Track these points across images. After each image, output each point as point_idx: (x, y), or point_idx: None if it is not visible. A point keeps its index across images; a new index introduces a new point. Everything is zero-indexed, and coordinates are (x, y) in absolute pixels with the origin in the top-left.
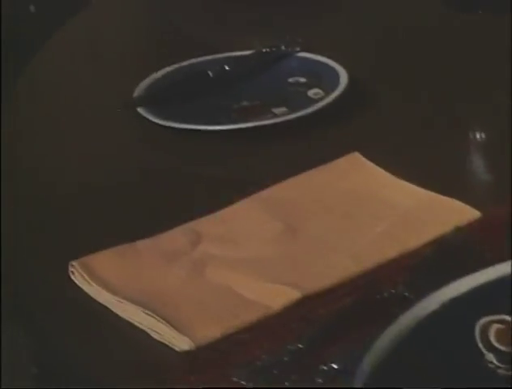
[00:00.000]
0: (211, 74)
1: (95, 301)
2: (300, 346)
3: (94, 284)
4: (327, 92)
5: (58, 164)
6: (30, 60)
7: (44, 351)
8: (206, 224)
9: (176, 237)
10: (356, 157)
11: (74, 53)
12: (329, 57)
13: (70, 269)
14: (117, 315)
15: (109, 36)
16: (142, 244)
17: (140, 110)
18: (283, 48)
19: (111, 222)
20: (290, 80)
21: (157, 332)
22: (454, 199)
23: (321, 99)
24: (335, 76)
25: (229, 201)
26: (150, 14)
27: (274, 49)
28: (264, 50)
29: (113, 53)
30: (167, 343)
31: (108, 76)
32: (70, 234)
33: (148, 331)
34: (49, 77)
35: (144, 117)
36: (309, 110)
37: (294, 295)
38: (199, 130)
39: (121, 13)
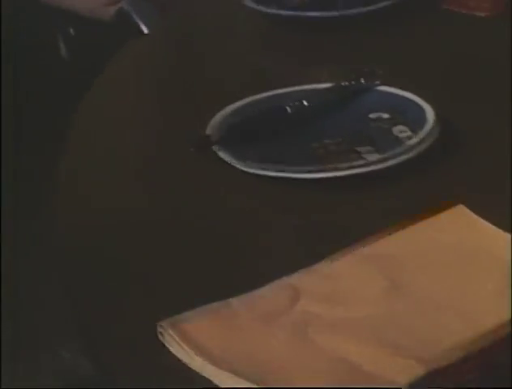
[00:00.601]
0: (289, 109)
1: (186, 364)
2: None
3: (186, 347)
4: (413, 130)
5: (132, 212)
6: (84, 95)
7: None
8: (305, 280)
9: (273, 295)
10: (461, 210)
11: (131, 86)
12: (408, 89)
13: (159, 330)
14: (211, 381)
15: (170, 67)
16: (237, 302)
17: (215, 149)
18: (362, 81)
19: (195, 275)
20: (371, 116)
21: None
22: None
23: (408, 138)
24: (420, 112)
25: (322, 253)
26: (215, 43)
27: (353, 83)
28: (343, 83)
29: (179, 84)
30: None
31: (174, 111)
32: (156, 290)
33: None
34: (107, 113)
35: (219, 158)
36: (401, 154)
37: (418, 369)
38: None
39: (183, 41)
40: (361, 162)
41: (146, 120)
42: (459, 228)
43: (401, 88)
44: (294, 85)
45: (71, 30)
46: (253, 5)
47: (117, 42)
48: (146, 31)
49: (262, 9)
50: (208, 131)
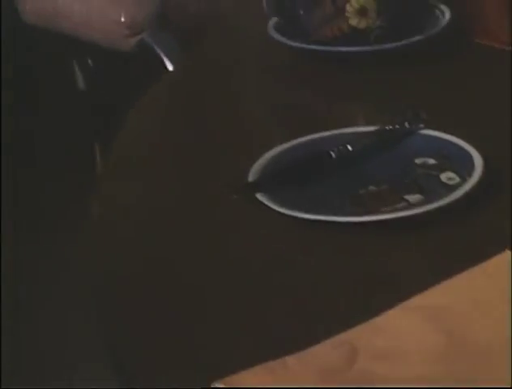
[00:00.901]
0: (333, 154)
1: None
2: None
3: None
4: (462, 176)
5: (175, 261)
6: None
7: None
8: (362, 335)
9: (329, 352)
10: (509, 256)
11: (165, 125)
12: (454, 134)
13: None
14: None
15: (202, 107)
16: (293, 360)
17: (258, 196)
18: (406, 125)
19: (243, 326)
20: (417, 161)
21: None
22: None
23: (457, 185)
24: (467, 157)
25: (374, 304)
26: (244, 80)
27: (397, 127)
28: (387, 127)
29: (213, 126)
30: None
31: (210, 154)
32: (203, 343)
33: None
34: (139, 155)
35: (261, 203)
36: (448, 200)
37: None
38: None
39: (211, 79)
40: (404, 204)
41: (181, 162)
42: (509, 275)
43: (440, 128)
44: (332, 124)
45: (89, 60)
46: (281, 38)
47: (136, 74)
48: (168, 64)
49: (291, 43)
50: (251, 177)
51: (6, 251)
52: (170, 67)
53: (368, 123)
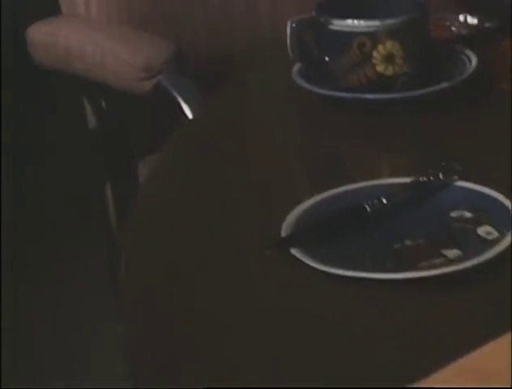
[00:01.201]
0: (368, 208)
1: None
2: None
3: None
4: (500, 230)
5: (206, 310)
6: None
7: None
8: None
9: None
10: None
11: (190, 177)
12: (489, 186)
13: None
14: None
15: (234, 157)
16: None
17: (292, 251)
18: (441, 176)
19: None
20: (453, 214)
21: None
22: None
23: (495, 239)
24: (504, 211)
25: (416, 364)
26: (269, 129)
27: (432, 179)
28: (421, 179)
29: (240, 177)
30: None
31: (242, 208)
32: None
33: None
34: (163, 211)
35: (296, 259)
36: (487, 256)
37: None
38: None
39: (235, 127)
40: (443, 260)
41: (210, 216)
42: None
43: (475, 179)
44: (363, 174)
45: (103, 102)
46: (306, 85)
47: (152, 116)
48: (185, 107)
49: (317, 90)
50: (284, 231)
51: (5, 252)
52: (188, 111)
53: (399, 173)
